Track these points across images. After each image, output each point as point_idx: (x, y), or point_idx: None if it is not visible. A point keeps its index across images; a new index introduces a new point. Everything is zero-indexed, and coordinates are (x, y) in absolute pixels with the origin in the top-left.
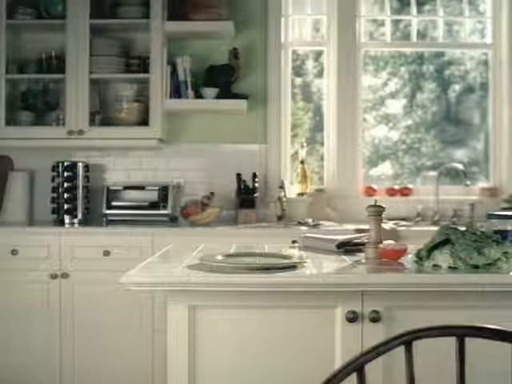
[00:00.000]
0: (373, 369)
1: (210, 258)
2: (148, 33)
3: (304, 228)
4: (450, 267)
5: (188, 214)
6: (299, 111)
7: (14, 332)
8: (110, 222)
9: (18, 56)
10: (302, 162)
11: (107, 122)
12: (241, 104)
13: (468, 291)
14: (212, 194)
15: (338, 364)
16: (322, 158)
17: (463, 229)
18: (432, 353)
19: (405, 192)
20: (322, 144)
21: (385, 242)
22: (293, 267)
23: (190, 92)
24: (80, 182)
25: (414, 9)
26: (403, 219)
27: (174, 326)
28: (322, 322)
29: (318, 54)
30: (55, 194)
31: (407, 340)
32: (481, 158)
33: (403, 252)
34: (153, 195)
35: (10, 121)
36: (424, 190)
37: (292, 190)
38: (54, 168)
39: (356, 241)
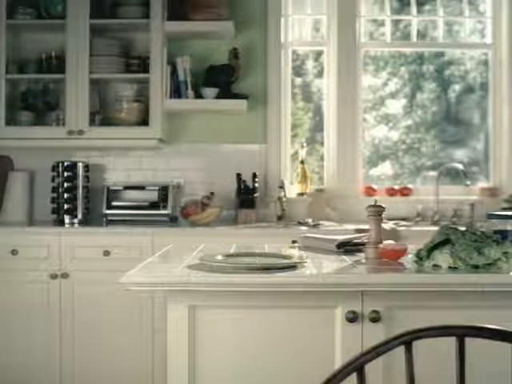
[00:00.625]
0: (373, 369)
1: (210, 258)
2: (148, 33)
3: (304, 228)
4: (450, 267)
5: (188, 214)
6: (299, 111)
7: (14, 332)
8: (110, 222)
9: (17, 56)
10: (302, 162)
11: (107, 122)
12: (241, 104)
13: (468, 291)
14: (212, 194)
15: (338, 364)
16: (321, 158)
17: (463, 229)
18: (432, 353)
19: (405, 192)
20: (322, 144)
21: (385, 242)
22: (293, 267)
23: (190, 92)
24: (80, 182)
25: (414, 9)
26: (403, 219)
27: (174, 325)
28: (322, 322)
29: (318, 54)
30: (55, 194)
31: (407, 340)
32: (481, 158)
33: (403, 252)
34: (153, 195)
35: (10, 121)
36: (424, 189)
37: (292, 190)
38: (54, 168)
39: (356, 241)
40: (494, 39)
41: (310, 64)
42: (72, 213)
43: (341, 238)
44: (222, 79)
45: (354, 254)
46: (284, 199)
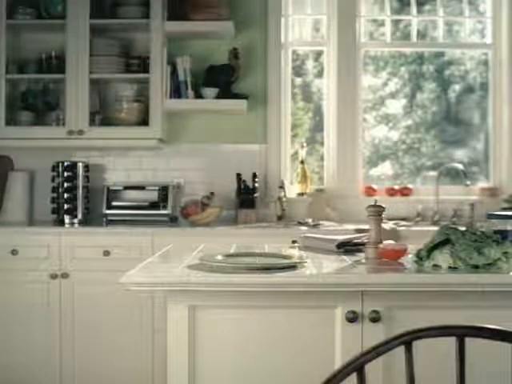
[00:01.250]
0: (373, 369)
1: (210, 258)
2: (148, 33)
3: (304, 228)
4: (450, 267)
5: (188, 213)
6: (299, 111)
7: (14, 332)
8: (110, 222)
9: (18, 56)
10: (302, 162)
11: (107, 121)
12: (241, 104)
13: (468, 291)
14: (212, 193)
15: (338, 364)
16: (321, 158)
17: (463, 229)
18: (432, 353)
19: (405, 192)
20: (322, 144)
21: (385, 242)
22: (293, 267)
23: (190, 92)
24: (80, 181)
25: (414, 9)
26: (403, 219)
27: (174, 326)
28: (322, 322)
29: (318, 54)
30: (55, 194)
31: (407, 340)
32: (481, 158)
33: (403, 252)
34: (153, 195)
35: (10, 121)
36: (424, 189)
37: (292, 190)
38: (54, 168)
39: (356, 241)
40: (494, 39)
41: (310, 64)
42: (72, 213)
43: (341, 237)
44: (222, 79)
45: (354, 253)
46: (284, 199)
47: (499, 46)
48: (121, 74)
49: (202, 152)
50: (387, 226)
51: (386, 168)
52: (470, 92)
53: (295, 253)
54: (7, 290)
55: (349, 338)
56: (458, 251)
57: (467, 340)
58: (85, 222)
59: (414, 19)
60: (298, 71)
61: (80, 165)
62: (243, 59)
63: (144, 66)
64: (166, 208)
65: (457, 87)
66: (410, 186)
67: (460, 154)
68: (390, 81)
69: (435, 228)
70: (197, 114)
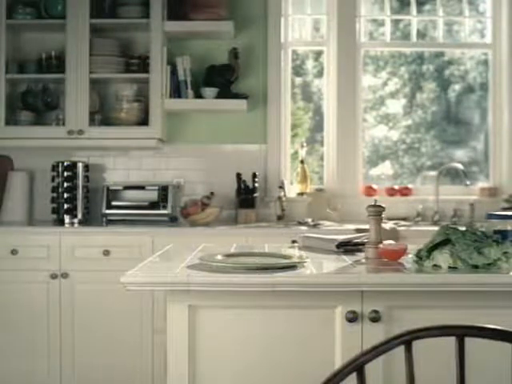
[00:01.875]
0: (373, 369)
1: (209, 258)
2: (148, 33)
3: (304, 228)
4: (449, 267)
5: (188, 213)
6: (299, 111)
7: (14, 332)
8: (110, 222)
9: (17, 56)
10: (302, 162)
11: (107, 121)
12: (241, 104)
13: (468, 291)
14: (212, 193)
15: (337, 364)
16: (321, 158)
17: (463, 229)
18: (432, 353)
19: (405, 192)
20: (322, 144)
21: (385, 242)
22: (293, 267)
23: (190, 92)
24: (80, 181)
25: (413, 9)
26: (403, 219)
27: (174, 326)
28: (322, 322)
29: (318, 54)
30: (55, 194)
31: (407, 340)
32: (481, 158)
33: (403, 252)
34: (153, 195)
35: (10, 121)
36: (424, 189)
37: (292, 190)
38: (54, 168)
39: (356, 241)
40: (494, 39)
41: (309, 64)
42: (72, 213)
43: (341, 237)
44: (221, 79)
45: (354, 253)
46: (284, 199)
47: (499, 45)
48: (121, 73)
49: (202, 152)
50: (387, 225)
51: (386, 168)
52: (470, 92)
53: (295, 253)
54: (7, 290)
55: (349, 338)
56: (457, 251)
57: (467, 340)
58: (85, 222)
59: (413, 19)
60: (298, 71)
61: (80, 165)
62: (243, 59)
63: (144, 65)
64: (166, 208)
65: (457, 87)
66: (410, 185)
67: (460, 153)
68: (390, 81)
69: (435, 228)
70: (197, 114)
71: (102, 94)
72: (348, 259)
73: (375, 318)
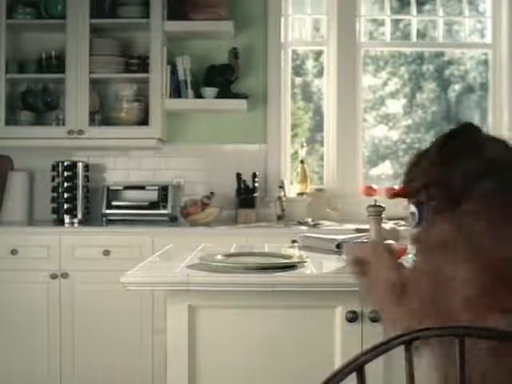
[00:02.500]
0: (373, 369)
1: (210, 258)
2: (148, 33)
3: (304, 228)
4: None
5: (188, 213)
6: (299, 111)
7: (14, 332)
8: (110, 222)
9: (17, 56)
10: (302, 162)
11: (107, 121)
12: (241, 104)
13: None
14: (212, 193)
15: (337, 364)
16: (321, 158)
17: None
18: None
19: None
20: (322, 144)
21: (384, 242)
22: (293, 267)
23: (190, 92)
24: (80, 181)
25: (413, 8)
26: (403, 219)
27: (174, 325)
28: (322, 322)
29: (318, 54)
30: (55, 194)
31: (407, 340)
32: None
33: (403, 252)
34: (153, 195)
35: (10, 121)
36: None
37: (292, 190)
38: (54, 168)
39: (356, 241)
40: (494, 39)
41: (309, 64)
42: (72, 212)
43: (341, 237)
44: (221, 79)
45: None
46: (284, 199)
47: (499, 45)
48: (121, 73)
49: (202, 152)
50: (387, 225)
51: (386, 168)
52: (470, 92)
53: (295, 253)
54: (7, 290)
55: (349, 338)
56: None
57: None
58: (85, 222)
59: (413, 19)
60: (298, 71)
61: (80, 165)
62: (243, 59)
63: (144, 65)
64: (166, 208)
65: (457, 87)
66: None
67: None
68: (390, 81)
69: None
70: (197, 114)
71: (101, 94)
72: None
73: (375, 318)
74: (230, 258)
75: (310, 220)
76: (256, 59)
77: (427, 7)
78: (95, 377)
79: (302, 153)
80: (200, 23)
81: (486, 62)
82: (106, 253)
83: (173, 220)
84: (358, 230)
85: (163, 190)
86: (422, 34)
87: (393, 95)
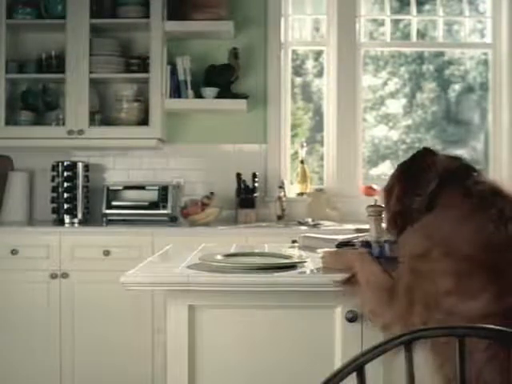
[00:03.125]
0: (373, 369)
1: (210, 258)
2: (148, 33)
3: (304, 228)
4: None
5: (188, 213)
6: (299, 111)
7: (14, 332)
8: (110, 222)
9: (17, 56)
10: (302, 162)
11: (107, 121)
12: (241, 104)
13: None
14: (212, 193)
15: (337, 364)
16: (321, 158)
17: None
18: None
19: None
20: (322, 144)
21: None
22: (293, 267)
23: (190, 92)
24: (80, 181)
25: (413, 8)
26: None
27: (174, 325)
28: (322, 322)
29: (318, 54)
30: (55, 194)
31: (407, 340)
32: (481, 158)
33: None
34: (153, 195)
35: (10, 121)
36: None
37: (292, 190)
38: (54, 168)
39: (356, 241)
40: (494, 39)
41: (309, 64)
42: (72, 213)
43: (341, 237)
44: (221, 79)
45: None
46: (284, 199)
47: (499, 45)
48: (121, 73)
49: (202, 152)
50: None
51: (386, 168)
52: (470, 92)
53: (295, 253)
54: (7, 290)
55: (349, 338)
56: None
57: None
58: (85, 222)
59: (413, 19)
60: (298, 71)
61: (80, 165)
62: (243, 59)
63: (144, 65)
64: (166, 208)
65: (457, 87)
66: None
67: (460, 153)
68: (390, 81)
69: None
70: (197, 114)
71: (101, 94)
72: None
73: None
74: (230, 258)
75: (310, 220)
76: (256, 59)
77: (427, 7)
78: (95, 377)
79: (302, 153)
80: (200, 23)
81: (486, 62)
82: (106, 253)
83: (173, 220)
84: (358, 230)
85: (163, 190)
86: (421, 34)
87: (393, 95)
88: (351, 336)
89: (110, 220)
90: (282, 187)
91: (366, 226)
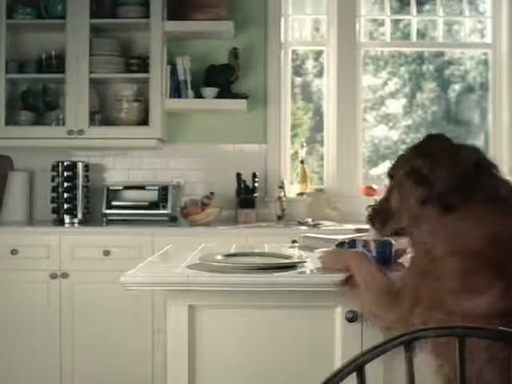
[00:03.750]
0: (373, 369)
1: (209, 258)
2: (148, 33)
3: (304, 228)
4: None
5: (188, 213)
6: (299, 111)
7: (14, 332)
8: (110, 222)
9: (17, 56)
10: (302, 162)
11: (107, 121)
12: (241, 104)
13: None
14: (212, 193)
15: (337, 364)
16: (321, 158)
17: None
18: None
19: None
20: (322, 144)
21: None
22: (293, 267)
23: (190, 92)
24: (80, 181)
25: (413, 8)
26: None
27: (174, 325)
28: (322, 322)
29: (318, 54)
30: (55, 194)
31: (407, 340)
32: None
33: (403, 252)
34: (153, 195)
35: (10, 121)
36: None
37: (292, 190)
38: (54, 168)
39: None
40: (494, 39)
41: (309, 64)
42: (72, 212)
43: (341, 237)
44: (221, 79)
45: None
46: (284, 199)
47: (499, 45)
48: (121, 73)
49: (202, 152)
50: None
51: (386, 168)
52: (470, 92)
53: (295, 253)
54: (7, 290)
55: (349, 338)
56: None
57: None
58: (85, 222)
59: (413, 19)
60: (298, 71)
61: (80, 165)
62: (243, 59)
63: (144, 65)
64: (166, 208)
65: (457, 87)
66: None
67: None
68: (390, 81)
69: None
70: (197, 114)
71: (101, 94)
72: None
73: None
74: (230, 258)
75: (310, 220)
76: (256, 59)
77: (427, 7)
78: (95, 377)
79: (302, 153)
80: (200, 23)
81: (486, 62)
82: (106, 253)
83: (173, 220)
84: (358, 230)
85: (163, 190)
86: (421, 34)
87: (393, 95)
88: (351, 336)
89: (109, 220)
90: (282, 187)
91: (366, 226)
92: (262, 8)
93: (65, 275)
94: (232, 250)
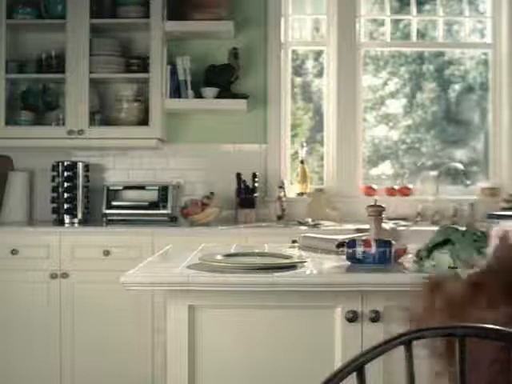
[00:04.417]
0: (373, 369)
1: (209, 258)
2: (148, 33)
3: (304, 228)
4: (449, 267)
5: (188, 213)
6: (299, 111)
7: (14, 332)
8: (110, 222)
9: (17, 56)
10: (302, 162)
11: (107, 121)
12: (241, 104)
13: None
14: (212, 193)
15: (337, 364)
16: (321, 158)
17: (463, 229)
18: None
19: (405, 192)
20: (322, 144)
21: None
22: (293, 267)
23: (190, 92)
24: (80, 181)
25: (413, 8)
26: (403, 219)
27: (174, 326)
28: (322, 322)
29: (318, 54)
30: (55, 194)
31: (407, 340)
32: (481, 158)
33: (403, 252)
34: (153, 195)
35: (10, 121)
36: (424, 189)
37: (292, 190)
38: (54, 168)
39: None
40: (494, 39)
41: (309, 64)
42: (72, 212)
43: (341, 237)
44: (221, 79)
45: None
46: (284, 199)
47: (499, 45)
48: (121, 73)
49: (202, 152)
50: (387, 225)
51: (386, 168)
52: (470, 92)
53: (295, 253)
54: (7, 290)
55: (349, 338)
56: (457, 251)
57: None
58: (85, 222)
59: (413, 19)
60: (298, 71)
61: (80, 165)
62: (243, 59)
63: (144, 65)
64: (166, 208)
65: (457, 87)
66: (409, 185)
67: (460, 153)
68: (390, 81)
69: (435, 228)
70: (197, 114)
71: (101, 94)
72: None
73: (375, 318)
74: (230, 258)
75: (309, 220)
76: (256, 59)
77: (427, 7)
78: (95, 377)
79: (302, 153)
80: (200, 23)
81: (486, 62)
82: (106, 253)
83: (173, 220)
84: (358, 230)
85: (163, 190)
86: (421, 34)
87: (393, 95)
88: (351, 336)
89: (109, 220)
90: (282, 187)
91: (366, 226)
92: (262, 8)
93: (65, 275)
94: (232, 250)
